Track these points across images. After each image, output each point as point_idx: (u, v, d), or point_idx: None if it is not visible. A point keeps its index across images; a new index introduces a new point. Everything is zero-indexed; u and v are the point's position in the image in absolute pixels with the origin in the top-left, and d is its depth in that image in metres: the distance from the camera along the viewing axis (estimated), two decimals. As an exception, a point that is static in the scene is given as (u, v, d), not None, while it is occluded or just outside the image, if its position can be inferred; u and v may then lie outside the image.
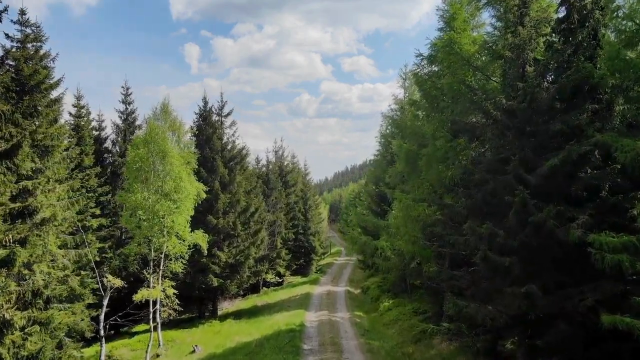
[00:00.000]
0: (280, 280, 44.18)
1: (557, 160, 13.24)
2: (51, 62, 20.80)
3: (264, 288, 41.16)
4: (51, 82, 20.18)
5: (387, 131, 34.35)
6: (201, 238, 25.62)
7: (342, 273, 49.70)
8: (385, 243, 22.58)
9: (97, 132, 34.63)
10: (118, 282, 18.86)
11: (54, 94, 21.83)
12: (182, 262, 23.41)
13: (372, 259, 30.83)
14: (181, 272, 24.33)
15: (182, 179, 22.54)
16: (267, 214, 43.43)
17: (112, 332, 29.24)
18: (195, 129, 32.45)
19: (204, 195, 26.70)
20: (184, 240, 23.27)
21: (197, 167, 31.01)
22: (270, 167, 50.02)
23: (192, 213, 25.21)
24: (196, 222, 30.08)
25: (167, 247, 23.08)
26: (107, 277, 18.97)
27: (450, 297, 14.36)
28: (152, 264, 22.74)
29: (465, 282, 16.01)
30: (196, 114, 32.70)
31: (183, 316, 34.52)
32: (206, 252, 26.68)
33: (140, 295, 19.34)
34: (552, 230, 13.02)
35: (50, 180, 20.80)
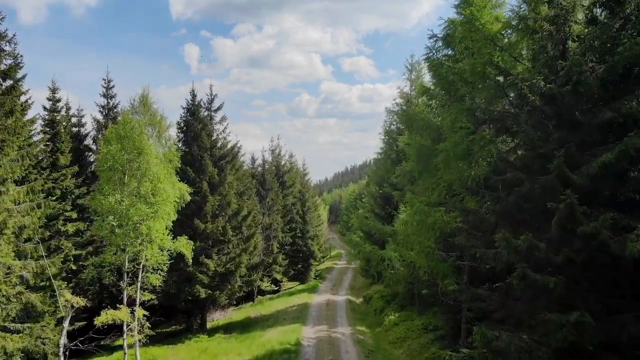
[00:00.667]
0: (277, 288, 41.38)
1: (612, 156, 10.50)
2: (6, 44, 18.08)
3: (258, 297, 38.37)
4: (4, 67, 17.47)
5: (392, 127, 31.57)
6: (185, 246, 22.85)
7: (342, 279, 46.93)
8: (394, 253, 19.85)
9: (77, 129, 31.95)
10: (80, 301, 16.03)
11: (17, 82, 19.30)
12: (160, 274, 20.61)
13: (376, 268, 28.09)
14: (159, 286, 21.53)
15: (161, 180, 19.74)
16: (262, 216, 40.72)
17: (86, 345, 26.51)
18: (182, 124, 29.67)
19: (189, 198, 23.88)
20: (162, 249, 20.47)
21: (183, 166, 28.30)
22: (267, 166, 47.28)
23: (175, 217, 22.43)
24: (182, 227, 27.32)
25: (144, 256, 20.31)
26: (64, 296, 16.14)
27: (478, 327, 11.60)
28: (125, 276, 19.94)
29: (494, 304, 13.28)
30: (183, 108, 29.92)
31: (169, 329, 31.73)
32: (191, 260, 23.89)
33: (103, 318, 16.52)
34: (605, 243, 10.32)
35: (7, 180, 18.07)
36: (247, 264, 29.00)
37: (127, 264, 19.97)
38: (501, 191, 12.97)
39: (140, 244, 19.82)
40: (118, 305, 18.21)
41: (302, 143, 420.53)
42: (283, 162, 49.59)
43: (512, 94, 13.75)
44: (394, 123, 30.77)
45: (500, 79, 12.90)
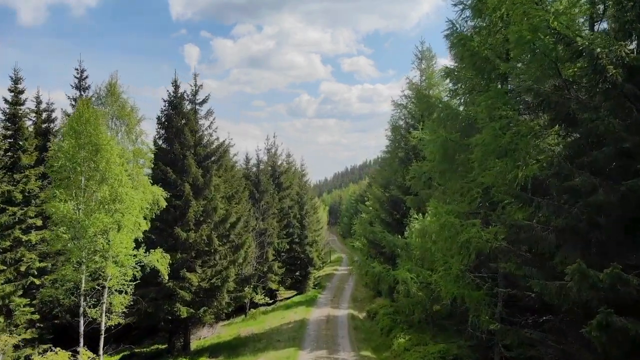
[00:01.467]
0: (271, 301, 37.88)
1: None
2: None
3: (251, 309, 34.90)
4: None
5: (400, 123, 28.09)
6: (160, 260, 19.46)
7: (343, 288, 43.44)
8: (409, 275, 16.31)
9: (46, 125, 28.54)
10: (9, 340, 12.56)
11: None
12: (125, 296, 17.19)
13: (386, 290, 24.67)
14: (128, 307, 18.12)
15: (123, 183, 16.27)
16: (256, 221, 37.29)
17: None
18: (163, 119, 26.21)
19: (164, 204, 20.48)
20: (128, 266, 17.03)
21: (163, 166, 24.90)
22: (262, 167, 43.84)
23: (147, 227, 19.04)
24: (161, 237, 23.93)
25: (106, 275, 16.88)
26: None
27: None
28: (82, 299, 16.48)
29: (553, 355, 9.89)
30: (164, 100, 26.44)
31: (149, 348, 28.29)
32: (167, 277, 20.45)
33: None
34: None
35: None
36: (236, 277, 25.55)
37: (83, 284, 16.53)
38: (563, 201, 9.57)
39: (100, 261, 16.38)
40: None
41: (302, 143, 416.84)
42: (280, 162, 46.15)
43: (569, 70, 10.35)
44: (403, 118, 27.31)
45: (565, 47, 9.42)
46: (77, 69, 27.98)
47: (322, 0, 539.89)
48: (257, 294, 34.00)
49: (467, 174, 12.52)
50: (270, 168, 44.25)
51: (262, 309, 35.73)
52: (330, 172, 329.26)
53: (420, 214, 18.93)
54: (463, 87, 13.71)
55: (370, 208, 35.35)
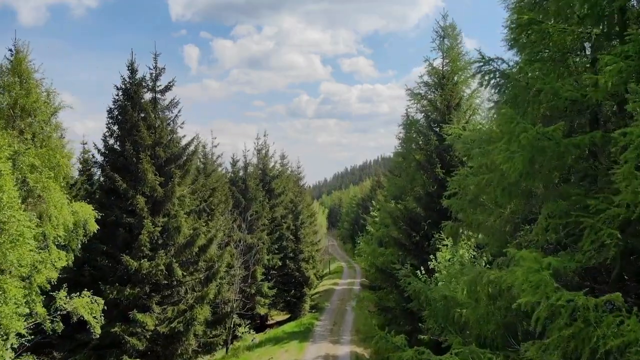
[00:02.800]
0: (260, 327, 31.98)
1: None
2: None
3: (234, 342, 29.04)
4: None
5: (418, 117, 22.15)
6: (85, 306, 13.74)
7: (344, 311, 37.49)
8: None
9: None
10: None
11: None
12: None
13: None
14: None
15: (13, 205, 10.45)
16: (243, 234, 31.51)
17: None
18: (115, 111, 20.38)
19: (94, 227, 14.68)
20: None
21: (111, 173, 19.15)
22: (252, 169, 38.05)
23: (65, 262, 13.29)
24: (100, 271, 18.22)
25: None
26: None
27: None
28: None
29: None
30: (118, 88, 20.57)
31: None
32: (98, 330, 14.60)
33: None
34: None
35: None
36: (208, 317, 19.71)
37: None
38: None
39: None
40: None
41: (301, 143, 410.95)
42: (272, 165, 40.26)
43: None
44: (422, 109, 21.36)
45: None
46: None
47: (322, 0, 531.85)
48: (240, 326, 28.17)
49: (585, 200, 6.70)
50: (260, 172, 38.42)
51: (249, 338, 29.88)
52: (330, 172, 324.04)
53: (461, 243, 13.20)
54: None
55: (380, 225, 29.46)
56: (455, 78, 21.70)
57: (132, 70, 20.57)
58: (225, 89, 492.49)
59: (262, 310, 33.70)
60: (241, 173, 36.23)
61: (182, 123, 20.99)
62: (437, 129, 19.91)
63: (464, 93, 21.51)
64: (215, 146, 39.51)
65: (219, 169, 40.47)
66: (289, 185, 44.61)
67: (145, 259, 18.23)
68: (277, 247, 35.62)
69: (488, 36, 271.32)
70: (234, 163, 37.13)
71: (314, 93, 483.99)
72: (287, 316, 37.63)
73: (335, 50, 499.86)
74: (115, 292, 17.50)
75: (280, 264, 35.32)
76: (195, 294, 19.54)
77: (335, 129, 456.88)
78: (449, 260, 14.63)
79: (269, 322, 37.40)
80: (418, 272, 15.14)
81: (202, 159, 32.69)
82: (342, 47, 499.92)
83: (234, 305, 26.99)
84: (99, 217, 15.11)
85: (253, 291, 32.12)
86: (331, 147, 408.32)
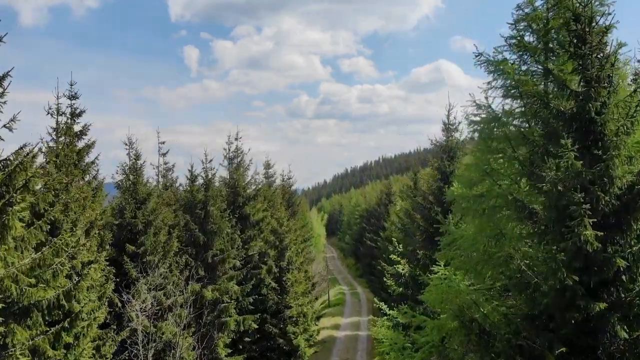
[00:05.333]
0: None
1: None
2: None
3: None
4: None
5: (507, 86, 11.22)
6: None
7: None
8: None
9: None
10: None
11: None
12: None
13: None
14: None
15: None
16: (196, 284, 20.69)
17: None
18: None
19: None
20: None
21: None
22: (217, 185, 27.12)
23: None
24: None
25: None
26: None
27: None
28: None
29: None
30: None
31: None
32: None
33: None
34: None
35: None
36: None
37: None
38: None
39: None
40: None
41: (301, 144, 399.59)
42: (248, 180, 29.21)
43: None
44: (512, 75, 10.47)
45: None
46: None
47: (322, 1, 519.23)
48: None
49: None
50: (230, 191, 27.34)
51: None
52: (330, 173, 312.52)
53: None
54: None
55: (405, 268, 18.52)
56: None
57: None
58: (225, 89, 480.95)
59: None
60: (201, 195, 25.16)
61: (5, 101, 9.83)
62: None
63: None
64: (165, 154, 28.43)
65: (176, 185, 29.65)
66: (275, 201, 33.65)
67: None
68: (251, 301, 24.49)
69: (488, 36, 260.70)
70: (192, 179, 26.09)
71: (314, 93, 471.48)
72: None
73: (335, 50, 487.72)
74: None
75: (257, 327, 24.25)
76: None
77: (335, 129, 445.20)
78: None
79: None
80: None
81: (130, 175, 21.19)
82: (341, 48, 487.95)
83: None
84: None
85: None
86: (331, 148, 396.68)
